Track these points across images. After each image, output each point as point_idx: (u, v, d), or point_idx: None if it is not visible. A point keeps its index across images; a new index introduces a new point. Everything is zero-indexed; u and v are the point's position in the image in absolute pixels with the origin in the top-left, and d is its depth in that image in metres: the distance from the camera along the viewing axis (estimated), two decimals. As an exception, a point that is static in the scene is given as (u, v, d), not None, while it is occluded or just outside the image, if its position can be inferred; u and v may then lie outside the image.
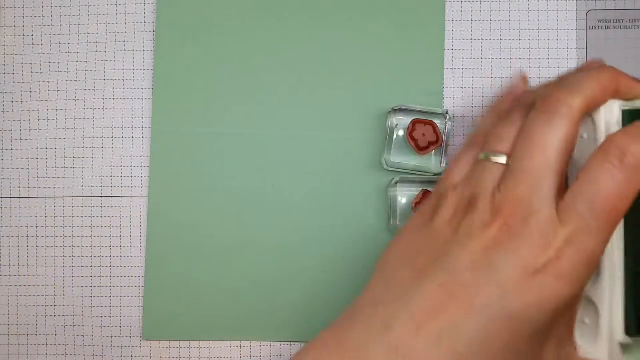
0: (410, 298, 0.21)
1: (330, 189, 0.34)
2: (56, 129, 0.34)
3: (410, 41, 0.34)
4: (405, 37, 0.34)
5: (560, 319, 0.22)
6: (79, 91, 0.34)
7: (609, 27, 0.34)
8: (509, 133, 0.23)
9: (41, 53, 0.35)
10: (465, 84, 0.34)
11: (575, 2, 0.34)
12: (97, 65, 0.34)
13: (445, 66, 0.34)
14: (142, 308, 0.33)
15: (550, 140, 0.22)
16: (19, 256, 0.34)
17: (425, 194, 0.32)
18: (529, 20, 0.34)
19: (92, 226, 0.34)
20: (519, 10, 0.34)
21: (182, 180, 0.34)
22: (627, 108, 0.26)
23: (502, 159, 0.23)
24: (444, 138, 0.32)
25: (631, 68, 0.34)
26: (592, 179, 0.21)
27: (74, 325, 0.33)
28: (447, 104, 0.34)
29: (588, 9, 0.34)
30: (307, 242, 0.33)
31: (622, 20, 0.34)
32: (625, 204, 0.21)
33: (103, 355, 0.33)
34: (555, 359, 0.23)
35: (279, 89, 0.34)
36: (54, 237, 0.34)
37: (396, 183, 0.32)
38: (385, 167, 0.33)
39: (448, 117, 0.32)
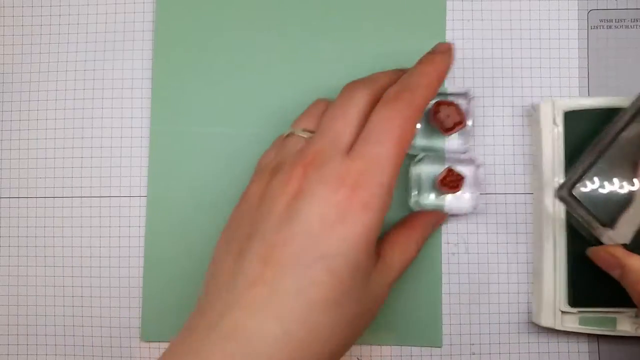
0: (235, 281, 0.22)
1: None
2: (55, 128, 0.34)
3: (411, 39, 0.34)
4: (406, 35, 0.34)
5: (372, 246, 0.23)
6: (77, 90, 0.34)
7: (610, 27, 0.34)
8: (316, 112, 0.27)
9: (40, 52, 0.34)
10: (466, 84, 0.34)
11: (576, 1, 0.34)
12: (97, 64, 0.34)
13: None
14: (140, 309, 0.33)
15: (349, 110, 0.25)
16: (18, 256, 0.34)
17: (449, 171, 0.32)
18: (529, 19, 0.34)
19: (91, 226, 0.34)
20: (520, 10, 0.34)
21: (180, 180, 0.34)
22: (568, 109, 0.31)
23: (306, 134, 0.26)
24: (468, 117, 0.32)
25: (632, 68, 0.34)
26: (375, 119, 0.24)
27: (73, 326, 0.33)
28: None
29: (589, 8, 0.34)
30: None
31: (624, 19, 0.34)
32: (407, 133, 0.24)
33: (102, 356, 0.33)
34: (386, 277, 0.26)
35: (279, 87, 0.34)
36: (53, 237, 0.34)
37: (420, 160, 0.32)
38: (410, 151, 0.33)
39: (469, 97, 0.32)
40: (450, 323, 0.33)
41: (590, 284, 0.31)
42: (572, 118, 0.32)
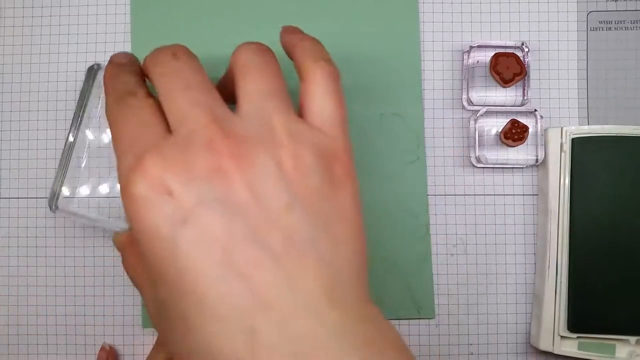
0: None
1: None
2: (56, 129, 0.34)
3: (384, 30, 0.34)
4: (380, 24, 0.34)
5: None
6: (78, 92, 0.34)
7: (610, 28, 0.34)
8: None
9: (40, 53, 0.34)
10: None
11: (576, 3, 0.34)
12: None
13: (444, 67, 0.34)
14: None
15: None
16: (18, 257, 0.34)
17: (514, 123, 0.32)
18: (529, 21, 0.34)
19: (94, 226, 0.34)
20: (519, 12, 0.34)
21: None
22: (576, 136, 0.31)
23: None
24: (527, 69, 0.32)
25: (632, 69, 0.34)
26: None
27: (75, 325, 0.33)
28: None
29: (589, 9, 0.34)
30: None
31: (623, 21, 0.34)
32: None
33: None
34: None
35: None
36: (55, 237, 0.34)
37: (481, 115, 0.32)
38: (467, 107, 0.33)
39: (526, 49, 0.32)
40: (449, 318, 0.33)
41: (590, 309, 0.31)
42: (580, 144, 0.32)
